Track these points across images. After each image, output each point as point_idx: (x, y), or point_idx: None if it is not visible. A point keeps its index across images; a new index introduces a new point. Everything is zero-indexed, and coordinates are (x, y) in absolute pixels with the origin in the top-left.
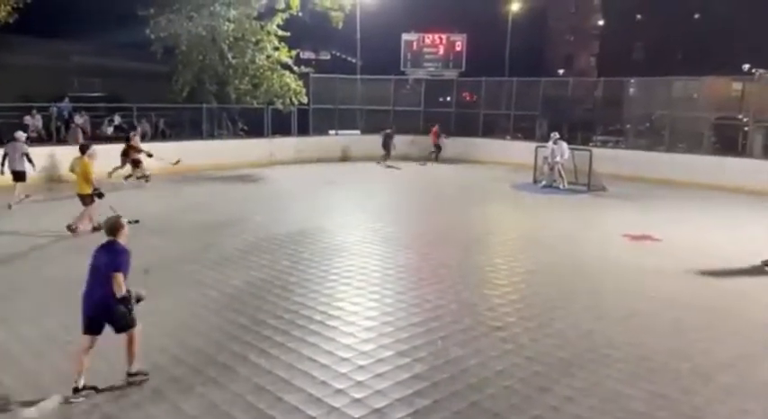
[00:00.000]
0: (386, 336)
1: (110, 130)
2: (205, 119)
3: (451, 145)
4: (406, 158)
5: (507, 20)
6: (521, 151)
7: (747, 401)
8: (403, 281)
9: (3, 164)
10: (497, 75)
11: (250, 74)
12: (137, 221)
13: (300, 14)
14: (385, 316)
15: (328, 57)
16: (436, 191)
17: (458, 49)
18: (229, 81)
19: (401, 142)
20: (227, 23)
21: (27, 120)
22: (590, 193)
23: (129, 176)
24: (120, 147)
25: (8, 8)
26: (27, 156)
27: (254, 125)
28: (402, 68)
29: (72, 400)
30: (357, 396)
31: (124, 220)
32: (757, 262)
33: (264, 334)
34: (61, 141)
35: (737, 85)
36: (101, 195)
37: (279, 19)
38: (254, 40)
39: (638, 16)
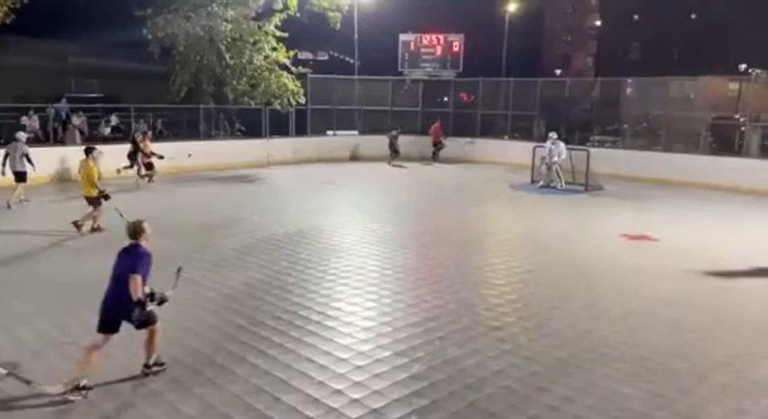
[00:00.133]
0: (384, 336)
1: (107, 131)
2: (203, 119)
3: (449, 145)
4: (407, 158)
5: (504, 20)
6: (518, 151)
7: (744, 400)
8: (401, 282)
9: (4, 165)
10: (495, 75)
11: (248, 74)
12: None
13: (298, 15)
14: (383, 316)
15: (326, 57)
16: (434, 191)
17: (455, 49)
18: (227, 81)
19: (402, 142)
20: (224, 24)
21: (24, 120)
22: (587, 193)
23: (146, 175)
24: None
25: (5, 9)
26: (27, 156)
27: (251, 125)
28: (400, 69)
29: (71, 398)
30: (355, 396)
31: (146, 224)
32: (754, 261)
33: (262, 334)
34: (58, 142)
35: (734, 85)
36: (107, 197)
37: (276, 19)
38: (251, 40)
39: (635, 16)
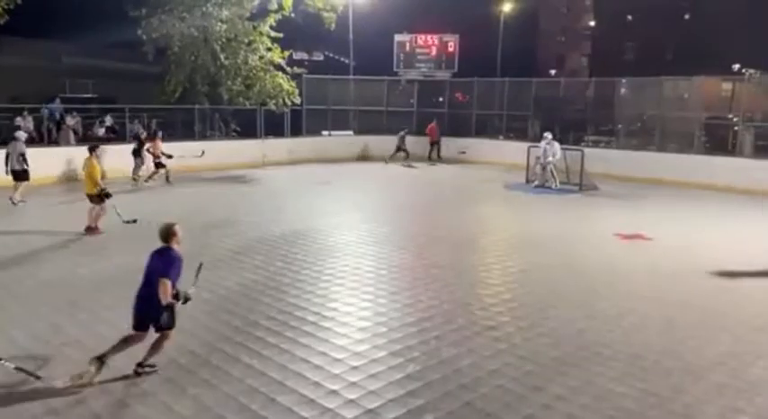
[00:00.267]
0: (379, 337)
1: (101, 132)
2: (197, 120)
3: (444, 146)
4: (411, 158)
5: (499, 21)
6: (513, 151)
7: (738, 399)
8: (396, 282)
9: (7, 164)
10: (490, 75)
11: (243, 74)
12: (134, 221)
13: (293, 15)
14: (378, 316)
15: (321, 57)
16: (429, 192)
17: (450, 49)
18: (222, 82)
19: (407, 142)
20: (219, 24)
21: (18, 121)
22: (582, 193)
23: (153, 175)
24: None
25: None
26: (23, 156)
27: (246, 126)
28: (395, 69)
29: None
30: (350, 396)
31: (178, 227)
32: (748, 260)
33: (257, 335)
34: (53, 143)
35: (727, 85)
36: (107, 195)
37: (271, 20)
38: (246, 40)
39: (629, 17)
